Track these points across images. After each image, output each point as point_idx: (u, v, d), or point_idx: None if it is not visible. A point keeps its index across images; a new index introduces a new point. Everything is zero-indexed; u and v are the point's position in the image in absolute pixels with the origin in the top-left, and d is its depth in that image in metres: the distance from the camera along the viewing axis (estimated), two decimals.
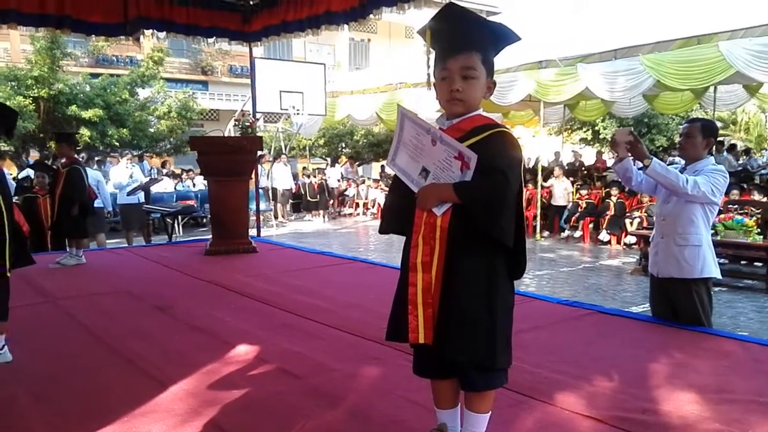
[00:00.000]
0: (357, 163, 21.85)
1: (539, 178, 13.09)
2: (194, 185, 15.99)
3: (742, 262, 8.90)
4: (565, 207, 12.95)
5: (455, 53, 1.99)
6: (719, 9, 9.99)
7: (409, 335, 1.98)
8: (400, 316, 2.02)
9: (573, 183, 13.79)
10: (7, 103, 15.23)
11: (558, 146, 18.53)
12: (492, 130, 1.99)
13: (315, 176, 17.79)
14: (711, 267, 3.64)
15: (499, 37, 2.06)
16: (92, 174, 8.46)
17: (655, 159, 3.53)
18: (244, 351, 3.46)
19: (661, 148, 19.78)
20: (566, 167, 16.82)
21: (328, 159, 22.74)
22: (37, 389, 2.94)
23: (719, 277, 3.76)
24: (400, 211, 2.11)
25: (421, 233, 1.99)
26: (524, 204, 2.08)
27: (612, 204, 11.81)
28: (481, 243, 1.94)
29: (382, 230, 2.20)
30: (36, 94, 15.89)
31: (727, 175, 3.71)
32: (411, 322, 1.97)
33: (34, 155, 17.43)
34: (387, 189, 17.02)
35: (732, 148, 15.77)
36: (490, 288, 1.96)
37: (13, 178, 15.41)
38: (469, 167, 1.88)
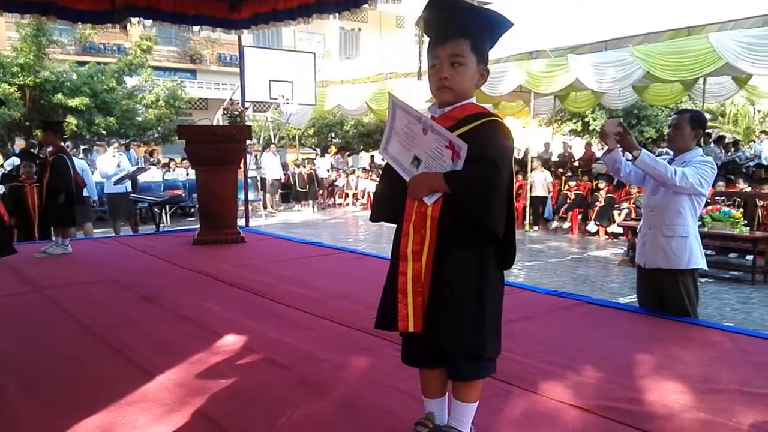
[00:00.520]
0: (347, 153, 21.81)
1: (529, 169, 13.11)
2: (187, 174, 15.82)
3: (731, 255, 8.98)
4: (546, 198, 12.97)
5: (444, 41, 1.99)
6: (709, 0, 10.01)
7: (398, 324, 1.98)
8: (390, 304, 2.01)
9: (562, 174, 13.84)
10: None
11: (548, 137, 18.58)
12: (484, 119, 1.98)
13: (304, 166, 17.74)
14: (698, 258, 3.67)
15: (491, 23, 2.04)
16: (78, 163, 8.39)
17: (644, 150, 3.54)
18: (232, 341, 3.45)
19: (650, 140, 19.88)
20: (556, 159, 16.90)
21: (318, 149, 22.68)
22: (25, 378, 2.91)
23: (705, 268, 3.79)
24: (391, 200, 2.11)
25: (412, 222, 1.99)
26: (514, 195, 2.08)
27: (601, 197, 11.87)
28: (472, 232, 1.93)
29: (373, 218, 2.20)
30: (22, 82, 15.72)
31: (715, 167, 3.73)
32: (401, 310, 1.97)
33: (19, 144, 17.23)
34: (377, 179, 17.04)
35: (720, 139, 15.88)
36: (480, 278, 1.95)
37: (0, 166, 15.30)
38: (459, 156, 1.87)
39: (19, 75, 15.67)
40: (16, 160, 9.82)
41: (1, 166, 15.00)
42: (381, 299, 2.09)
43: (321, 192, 18.30)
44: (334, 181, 18.58)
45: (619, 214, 11.15)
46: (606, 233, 11.60)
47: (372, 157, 20.26)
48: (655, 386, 2.76)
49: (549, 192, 13.06)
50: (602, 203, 11.76)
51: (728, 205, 8.59)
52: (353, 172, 18.71)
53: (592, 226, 11.86)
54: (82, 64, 18.10)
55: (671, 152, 3.95)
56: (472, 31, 1.99)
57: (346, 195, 18.18)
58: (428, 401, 2.18)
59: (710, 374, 2.93)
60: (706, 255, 3.91)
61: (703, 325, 3.72)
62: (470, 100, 2.04)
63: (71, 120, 15.89)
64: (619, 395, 2.65)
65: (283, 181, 17.33)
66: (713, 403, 2.59)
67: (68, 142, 14.09)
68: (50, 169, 6.16)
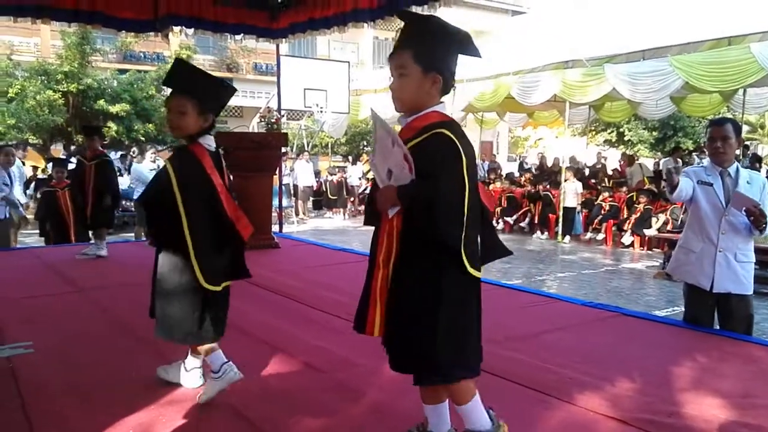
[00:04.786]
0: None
1: (562, 179, 12.98)
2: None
3: None
4: (574, 209, 12.79)
5: (392, 53, 2.07)
6: (751, 9, 9.83)
7: (366, 327, 2.06)
8: (362, 308, 2.09)
9: (596, 185, 13.67)
10: (37, 97, 15.57)
11: (582, 148, 18.38)
12: (432, 131, 1.98)
13: (335, 174, 17.86)
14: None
15: (431, 30, 2.05)
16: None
17: None
18: (268, 344, 3.50)
19: (686, 151, 19.52)
20: (588, 168, 16.69)
21: (350, 157, 22.79)
22: (67, 376, 2.99)
23: None
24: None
25: (386, 231, 2.04)
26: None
27: (640, 208, 11.66)
28: (428, 242, 1.96)
29: (365, 222, 2.27)
30: (65, 89, 16.18)
31: None
32: (369, 314, 2.05)
33: (55, 150, 17.74)
34: None
35: (754, 157, 15.51)
36: (435, 287, 1.97)
37: (41, 170, 15.76)
38: (412, 170, 1.92)
39: (63, 82, 16.14)
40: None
41: (43, 170, 15.47)
42: (359, 303, 2.14)
43: (352, 200, 18.39)
44: (365, 189, 18.65)
45: (656, 222, 10.96)
46: (641, 244, 11.41)
47: None
48: (695, 400, 2.72)
49: (578, 204, 12.85)
50: (639, 213, 11.57)
51: None
52: None
53: (627, 238, 11.68)
54: (122, 72, 18.56)
55: (704, 162, 3.87)
56: (414, 40, 2.03)
57: None
58: (425, 407, 2.20)
59: (751, 389, 2.87)
60: None
61: (743, 340, 3.64)
62: (433, 108, 2.05)
63: (112, 126, 16.29)
64: (658, 408, 2.61)
65: (315, 188, 17.46)
66: (755, 419, 2.53)
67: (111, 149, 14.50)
68: (98, 171, 6.21)
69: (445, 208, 1.91)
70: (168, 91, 2.77)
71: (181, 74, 2.72)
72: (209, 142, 2.68)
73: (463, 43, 2.08)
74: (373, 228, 2.14)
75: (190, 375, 2.84)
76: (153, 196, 2.78)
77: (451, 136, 1.95)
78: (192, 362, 2.84)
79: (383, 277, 2.03)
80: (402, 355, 2.05)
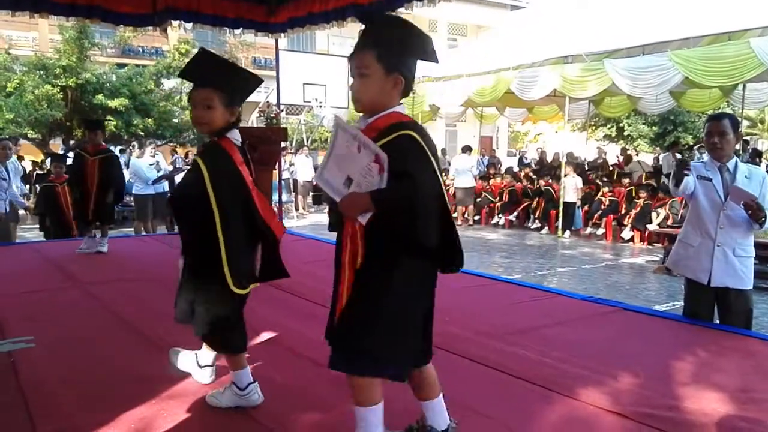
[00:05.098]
0: None
1: (562, 174, 12.98)
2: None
3: None
4: (574, 203, 12.79)
5: (353, 54, 2.04)
6: (750, 4, 9.81)
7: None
8: (331, 309, 2.13)
9: (596, 179, 13.68)
10: (35, 91, 15.53)
11: (582, 143, 18.38)
12: (398, 132, 1.97)
13: None
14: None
15: (394, 31, 2.04)
16: None
17: None
18: (271, 340, 3.50)
19: (686, 146, 19.53)
20: (588, 163, 16.68)
21: None
22: (67, 372, 2.99)
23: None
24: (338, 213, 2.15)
25: (350, 235, 2.05)
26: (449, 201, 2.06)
27: (640, 203, 11.66)
28: (395, 243, 1.95)
29: (329, 229, 2.28)
30: (64, 83, 16.14)
31: None
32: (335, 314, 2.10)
33: (54, 145, 17.70)
34: None
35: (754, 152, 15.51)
36: (385, 282, 1.97)
37: (39, 165, 15.74)
38: (383, 170, 1.89)
39: (62, 76, 16.10)
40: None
41: (41, 165, 15.43)
42: (329, 310, 2.17)
43: None
44: None
45: (657, 216, 10.97)
46: (641, 239, 11.42)
47: None
48: (695, 394, 2.73)
49: (578, 199, 12.86)
50: (639, 208, 11.57)
51: None
52: None
53: (626, 233, 11.69)
54: (121, 66, 18.54)
55: (705, 158, 3.87)
56: (377, 40, 2.01)
57: None
58: (420, 404, 2.21)
59: (750, 384, 2.88)
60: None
61: (743, 334, 3.65)
62: (394, 109, 2.04)
63: (111, 120, 16.27)
64: (658, 402, 2.62)
65: (314, 183, 17.45)
66: (754, 413, 2.54)
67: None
68: (102, 167, 6.09)
69: (424, 209, 1.92)
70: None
71: (207, 65, 2.55)
72: (236, 136, 2.54)
73: (425, 47, 2.06)
74: None
75: (202, 372, 2.80)
76: (186, 196, 2.57)
77: (416, 137, 1.95)
78: (206, 358, 2.79)
79: (349, 279, 2.04)
80: (336, 339, 2.05)
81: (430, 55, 2.08)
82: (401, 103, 2.07)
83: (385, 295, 1.97)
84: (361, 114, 2.10)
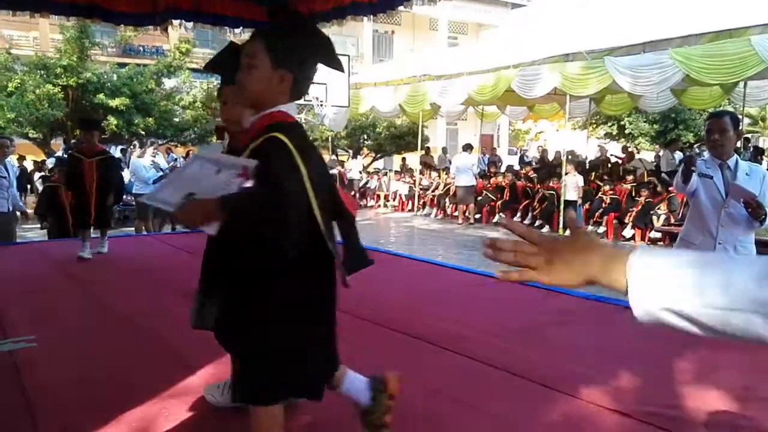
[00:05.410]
0: (379, 155, 21.86)
1: (563, 172, 12.97)
2: None
3: None
4: (575, 202, 12.77)
5: (245, 43, 1.97)
6: (751, 2, 9.79)
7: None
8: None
9: (600, 177, 13.67)
10: (36, 91, 15.54)
11: (582, 141, 18.36)
12: (267, 135, 1.83)
13: (335, 167, 17.91)
14: None
15: (289, 26, 1.97)
16: None
17: None
18: None
19: (687, 144, 19.49)
20: (589, 162, 16.67)
21: (350, 151, 22.77)
22: (69, 372, 2.99)
23: None
24: None
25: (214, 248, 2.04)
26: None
27: (641, 202, 11.66)
28: (261, 252, 1.86)
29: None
30: (65, 83, 16.13)
31: None
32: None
33: (55, 144, 17.70)
34: (409, 181, 17.09)
35: (758, 151, 15.51)
36: (264, 303, 1.90)
37: (40, 165, 15.74)
38: (248, 177, 1.76)
39: (63, 76, 16.10)
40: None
41: (41, 166, 15.44)
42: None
43: (352, 193, 18.41)
44: (366, 183, 18.68)
45: (657, 219, 10.95)
46: (643, 237, 11.41)
47: (404, 159, 20.25)
48: (698, 393, 2.72)
49: (579, 197, 12.83)
50: (640, 207, 11.56)
51: None
52: (386, 174, 18.79)
53: (627, 231, 11.68)
54: (122, 65, 18.52)
55: (706, 156, 3.85)
56: (271, 33, 1.94)
57: (378, 197, 18.24)
58: (339, 392, 2.20)
59: (754, 382, 2.87)
60: None
61: None
62: (280, 107, 1.91)
63: (111, 120, 16.27)
64: (661, 401, 2.62)
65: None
66: (758, 411, 2.54)
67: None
68: (102, 169, 6.03)
69: (282, 215, 1.74)
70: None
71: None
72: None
73: (323, 50, 1.98)
74: None
75: None
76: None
77: (285, 139, 1.79)
78: None
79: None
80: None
81: (331, 60, 2.00)
82: (291, 103, 1.96)
83: (267, 324, 1.89)
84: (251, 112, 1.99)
